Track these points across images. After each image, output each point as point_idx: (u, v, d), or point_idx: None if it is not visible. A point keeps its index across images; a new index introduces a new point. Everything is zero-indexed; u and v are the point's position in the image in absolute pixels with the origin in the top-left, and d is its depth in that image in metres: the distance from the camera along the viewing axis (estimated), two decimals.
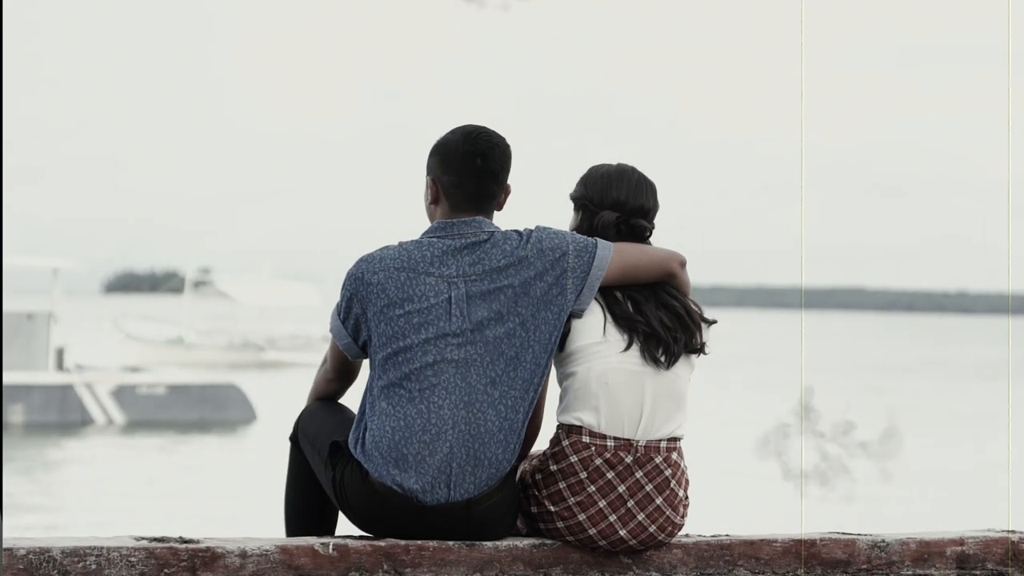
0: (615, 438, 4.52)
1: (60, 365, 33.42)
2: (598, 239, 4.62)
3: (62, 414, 33.14)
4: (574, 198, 4.79)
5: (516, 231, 4.57)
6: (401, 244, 4.55)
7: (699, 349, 4.64)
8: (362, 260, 4.53)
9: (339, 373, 4.74)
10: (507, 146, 4.63)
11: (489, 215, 4.60)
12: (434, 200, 4.63)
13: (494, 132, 4.64)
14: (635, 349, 4.56)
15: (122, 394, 33.86)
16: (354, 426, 4.55)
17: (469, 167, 4.59)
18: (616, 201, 4.74)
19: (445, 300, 4.47)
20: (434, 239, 4.54)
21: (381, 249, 4.55)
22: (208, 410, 34.79)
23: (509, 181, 4.66)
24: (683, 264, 4.67)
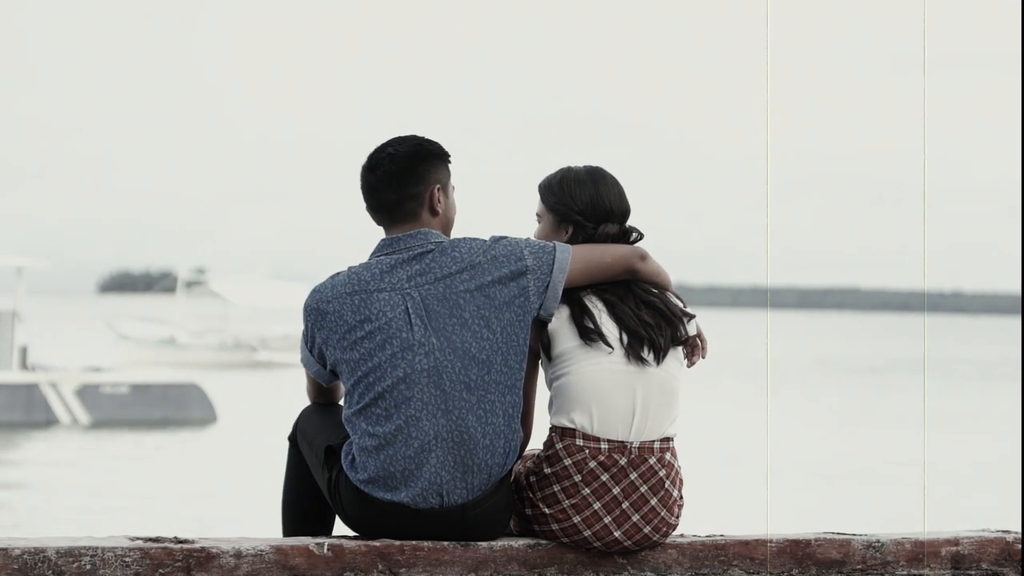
0: (609, 440, 4.50)
1: (24, 364, 33.43)
2: (556, 242, 4.57)
3: (27, 413, 33.14)
4: (562, 214, 4.68)
5: (466, 239, 4.53)
6: (350, 269, 4.53)
7: (685, 340, 4.62)
8: (314, 291, 4.51)
9: (319, 392, 4.74)
10: (411, 151, 4.55)
11: (422, 223, 4.55)
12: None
13: (398, 139, 4.58)
14: (620, 351, 4.54)
15: (86, 394, 33.87)
16: (346, 444, 4.55)
17: (368, 184, 4.58)
18: (607, 210, 4.69)
19: (402, 311, 4.44)
20: (382, 257, 4.52)
21: (331, 277, 4.53)
22: (170, 409, 34.78)
23: (453, 183, 4.59)
24: (644, 258, 4.60)
